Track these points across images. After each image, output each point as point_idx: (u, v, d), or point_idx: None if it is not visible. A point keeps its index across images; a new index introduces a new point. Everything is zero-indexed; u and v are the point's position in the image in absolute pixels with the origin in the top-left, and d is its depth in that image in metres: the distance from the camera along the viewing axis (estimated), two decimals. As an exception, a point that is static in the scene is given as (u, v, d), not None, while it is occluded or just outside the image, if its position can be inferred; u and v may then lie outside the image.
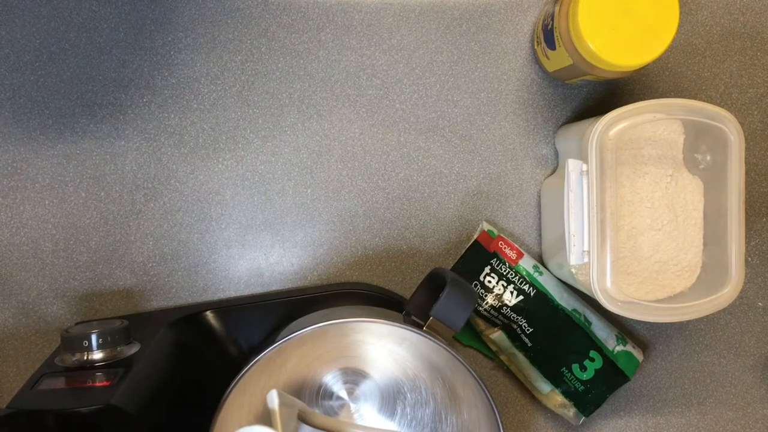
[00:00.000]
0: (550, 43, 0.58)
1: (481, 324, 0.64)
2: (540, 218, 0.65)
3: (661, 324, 0.67)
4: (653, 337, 0.67)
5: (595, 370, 0.62)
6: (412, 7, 0.63)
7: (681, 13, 0.52)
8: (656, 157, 0.57)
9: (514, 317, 0.63)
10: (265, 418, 0.42)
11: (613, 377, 0.62)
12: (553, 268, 0.64)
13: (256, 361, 0.50)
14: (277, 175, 0.63)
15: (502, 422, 0.51)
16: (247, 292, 0.64)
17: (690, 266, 0.58)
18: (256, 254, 0.64)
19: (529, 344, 0.63)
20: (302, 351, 0.54)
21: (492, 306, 0.63)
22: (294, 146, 0.63)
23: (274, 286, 0.65)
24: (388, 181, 0.64)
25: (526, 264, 0.63)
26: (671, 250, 0.57)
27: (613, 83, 0.64)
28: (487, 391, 0.50)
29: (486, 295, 0.63)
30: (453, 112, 0.64)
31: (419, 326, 0.51)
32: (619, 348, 0.63)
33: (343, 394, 0.55)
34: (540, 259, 0.65)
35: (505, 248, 0.63)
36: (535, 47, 0.63)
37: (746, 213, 0.55)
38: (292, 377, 0.54)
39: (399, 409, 0.56)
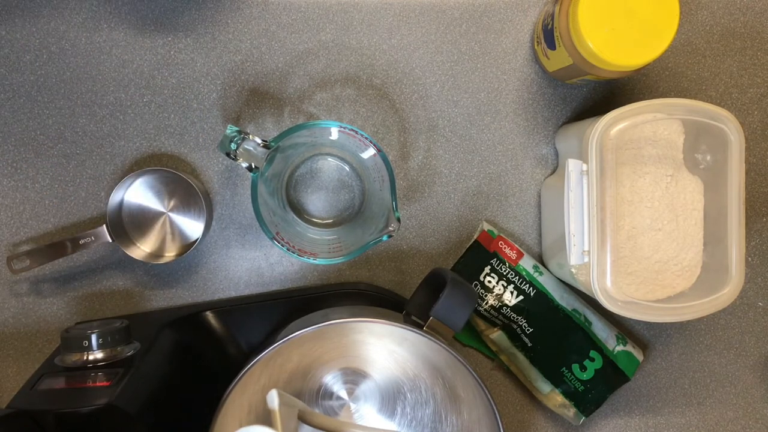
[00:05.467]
0: (550, 43, 0.58)
1: (481, 324, 0.64)
2: (540, 218, 0.65)
3: (661, 324, 0.67)
4: (653, 337, 0.67)
5: (595, 370, 0.62)
6: (412, 7, 0.63)
7: (681, 13, 0.52)
8: (656, 157, 0.57)
9: (514, 317, 0.63)
10: (265, 418, 0.42)
11: (613, 377, 0.62)
12: (553, 268, 0.64)
13: (256, 361, 0.50)
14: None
15: (502, 422, 0.51)
16: (247, 292, 0.64)
17: (690, 266, 0.58)
18: (256, 254, 0.64)
19: (529, 344, 0.63)
20: (302, 351, 0.54)
21: (492, 306, 0.63)
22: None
23: (274, 286, 0.65)
24: (388, 181, 0.64)
25: (526, 264, 0.63)
26: (671, 250, 0.57)
27: (613, 83, 0.64)
28: (487, 391, 0.50)
29: (486, 295, 0.63)
30: (453, 112, 0.64)
31: (419, 326, 0.51)
32: (619, 348, 0.63)
33: (343, 394, 0.55)
34: (540, 259, 0.65)
35: (505, 248, 0.63)
36: (535, 47, 0.63)
37: (746, 213, 0.55)
38: (292, 377, 0.54)
39: (399, 409, 0.56)
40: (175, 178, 0.60)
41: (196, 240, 0.61)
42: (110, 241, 0.60)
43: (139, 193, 0.61)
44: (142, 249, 0.61)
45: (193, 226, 0.62)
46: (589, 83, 0.64)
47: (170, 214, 0.62)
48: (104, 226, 0.60)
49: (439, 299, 0.51)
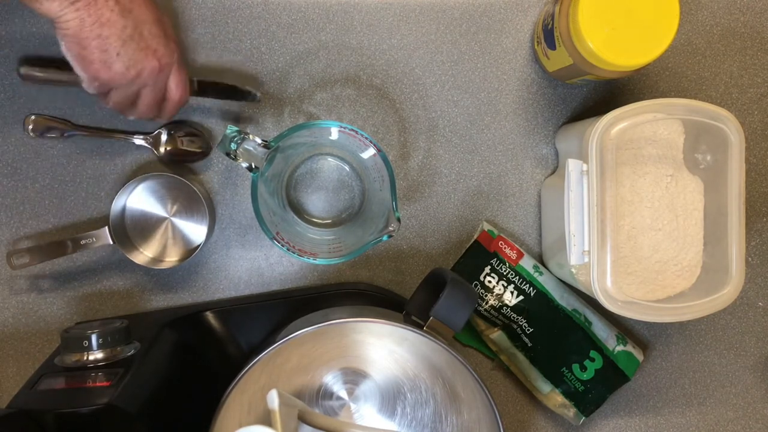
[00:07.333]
0: (551, 43, 0.58)
1: (481, 324, 0.64)
2: (540, 218, 0.65)
3: (661, 324, 0.67)
4: (653, 337, 0.67)
5: (596, 370, 0.62)
6: (412, 7, 0.63)
7: (681, 13, 0.52)
8: (656, 157, 0.57)
9: (514, 317, 0.63)
10: (265, 418, 0.42)
11: (613, 377, 0.62)
12: (553, 268, 0.64)
13: (256, 361, 0.50)
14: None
15: (502, 422, 0.51)
16: (247, 292, 0.64)
17: (690, 266, 0.58)
18: (256, 254, 0.64)
19: (530, 344, 0.63)
20: (302, 351, 0.54)
21: (492, 306, 0.63)
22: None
23: (274, 286, 0.65)
24: (388, 181, 0.64)
25: (526, 264, 0.63)
26: (671, 250, 0.57)
27: (613, 83, 0.64)
28: (487, 391, 0.50)
29: (486, 295, 0.63)
30: (453, 112, 0.64)
31: (419, 326, 0.51)
32: (619, 348, 0.63)
33: (343, 394, 0.55)
34: (540, 259, 0.65)
35: (505, 248, 0.63)
36: (536, 47, 0.63)
37: (746, 213, 0.55)
38: (292, 377, 0.54)
39: (399, 409, 0.56)
40: (178, 182, 0.60)
41: (199, 245, 0.61)
42: (111, 243, 0.60)
43: (141, 199, 0.61)
44: (144, 254, 0.61)
45: (195, 231, 0.62)
46: (589, 83, 0.64)
47: (173, 218, 0.62)
48: (106, 228, 0.60)
49: (439, 299, 0.51)
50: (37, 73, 0.59)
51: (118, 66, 0.50)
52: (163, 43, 0.51)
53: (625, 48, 0.52)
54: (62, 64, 0.59)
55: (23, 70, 0.59)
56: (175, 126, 0.61)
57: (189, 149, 0.61)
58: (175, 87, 0.55)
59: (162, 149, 0.61)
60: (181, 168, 0.62)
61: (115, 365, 0.52)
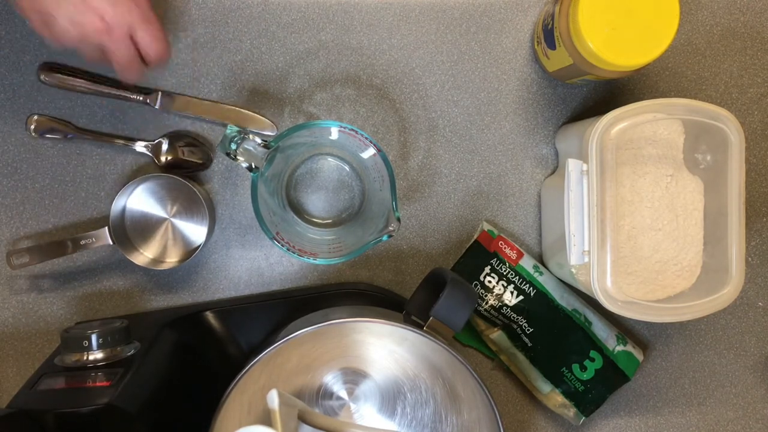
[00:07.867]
0: (551, 43, 0.58)
1: (481, 324, 0.64)
2: (540, 218, 0.65)
3: (661, 324, 0.67)
4: (653, 337, 0.67)
5: (596, 370, 0.62)
6: (412, 6, 0.63)
7: (681, 13, 0.52)
8: (656, 157, 0.57)
9: (514, 317, 0.63)
10: (265, 418, 0.42)
11: (613, 377, 0.62)
12: (553, 268, 0.64)
13: (256, 361, 0.50)
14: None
15: (502, 422, 0.51)
16: (247, 292, 0.64)
17: (690, 266, 0.58)
18: (256, 254, 0.64)
19: (530, 344, 0.63)
20: (302, 351, 0.54)
21: (492, 306, 0.63)
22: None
23: (274, 286, 0.65)
24: (388, 181, 0.64)
25: (526, 264, 0.63)
26: (671, 250, 0.57)
27: (613, 83, 0.64)
28: (487, 391, 0.50)
29: (486, 295, 0.63)
30: (453, 112, 0.64)
31: (419, 326, 0.51)
32: (619, 348, 0.63)
33: (343, 394, 0.55)
34: (540, 259, 0.65)
35: (505, 248, 0.63)
36: (536, 47, 0.63)
37: (746, 213, 0.55)
38: (292, 377, 0.54)
39: (399, 409, 0.56)
40: (178, 183, 0.60)
41: (199, 246, 0.61)
42: (111, 243, 0.60)
43: (141, 199, 0.61)
44: (144, 255, 0.61)
45: (195, 231, 0.62)
46: (589, 83, 0.64)
47: (173, 219, 0.62)
48: (106, 229, 0.60)
49: (439, 299, 0.51)
50: (51, 78, 0.60)
51: (57, 27, 0.50)
52: (110, 2, 0.51)
53: (625, 48, 0.52)
54: (78, 73, 0.60)
55: (43, 76, 0.60)
56: (175, 135, 0.61)
57: (189, 159, 0.61)
58: (148, 45, 0.53)
59: (162, 158, 0.61)
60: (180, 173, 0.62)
61: (115, 365, 0.52)
